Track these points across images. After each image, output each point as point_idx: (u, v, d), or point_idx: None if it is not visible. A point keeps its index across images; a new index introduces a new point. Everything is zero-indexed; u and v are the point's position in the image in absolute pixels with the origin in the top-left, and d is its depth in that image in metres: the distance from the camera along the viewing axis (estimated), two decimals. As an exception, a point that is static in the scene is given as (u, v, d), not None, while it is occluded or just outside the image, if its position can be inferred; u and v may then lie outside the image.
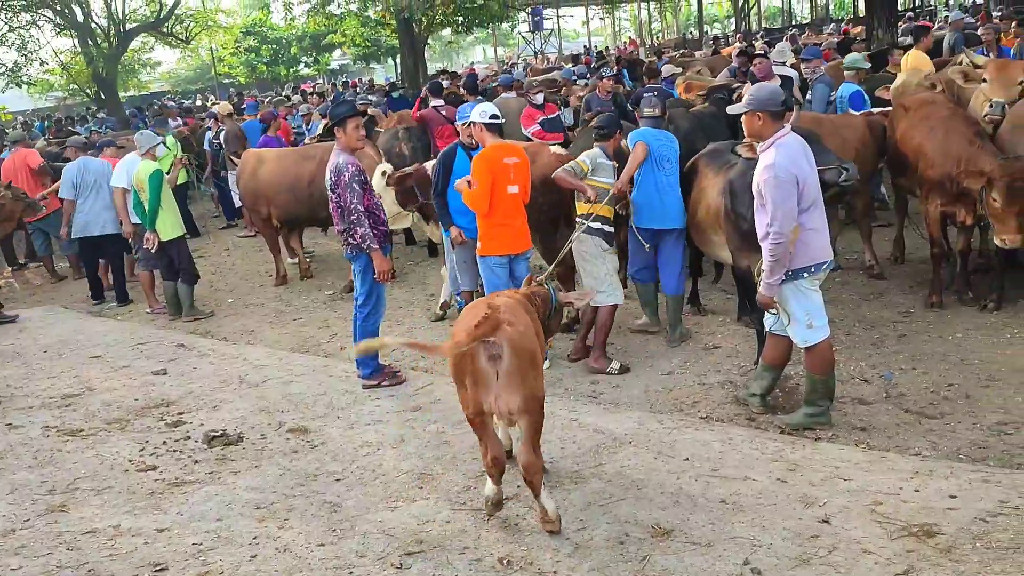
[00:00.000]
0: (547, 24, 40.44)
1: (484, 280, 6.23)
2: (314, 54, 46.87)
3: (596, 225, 6.02)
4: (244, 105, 20.29)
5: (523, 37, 41.68)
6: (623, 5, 53.20)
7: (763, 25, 44.31)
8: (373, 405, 5.83)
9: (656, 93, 7.59)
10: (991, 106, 6.36)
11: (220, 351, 7.45)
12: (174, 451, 5.28)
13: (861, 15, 38.00)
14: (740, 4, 37.86)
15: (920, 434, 4.73)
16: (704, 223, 6.18)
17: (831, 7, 50.21)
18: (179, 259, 8.51)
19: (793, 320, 4.81)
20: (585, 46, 40.42)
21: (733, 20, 55.03)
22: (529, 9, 37.80)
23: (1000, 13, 16.50)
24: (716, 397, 5.51)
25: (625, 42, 44.80)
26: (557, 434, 5.05)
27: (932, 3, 36.14)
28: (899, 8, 19.35)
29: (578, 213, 6.18)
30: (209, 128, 13.75)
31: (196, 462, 5.09)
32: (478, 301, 4.33)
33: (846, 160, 5.23)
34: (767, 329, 5.11)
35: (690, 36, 44.81)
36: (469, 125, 6.32)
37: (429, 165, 7.62)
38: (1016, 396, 5.04)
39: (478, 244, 6.16)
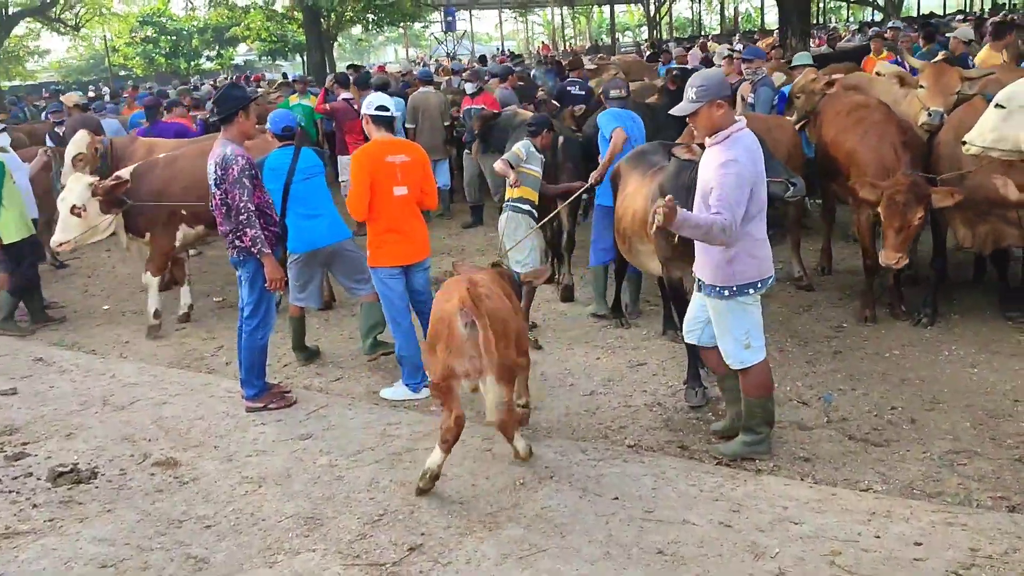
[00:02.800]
0: (460, 25, 39.96)
1: (378, 292, 5.53)
2: (217, 48, 45.05)
3: (525, 207, 6.39)
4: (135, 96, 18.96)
5: (436, 38, 41.03)
6: (536, 10, 53.15)
7: (673, 35, 44.71)
8: (257, 432, 5.09)
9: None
10: (929, 115, 6.05)
11: (85, 366, 6.55)
12: (9, 492, 4.43)
13: (769, 27, 38.87)
14: (652, 14, 38.02)
15: (868, 465, 4.29)
16: (629, 231, 5.67)
17: (739, 19, 51.23)
18: (17, 264, 7.39)
19: (729, 338, 4.32)
20: (498, 49, 40.12)
21: (644, 28, 56.07)
22: (442, 9, 37.11)
23: (896, 25, 16.78)
24: (644, 421, 4.98)
25: (538, 47, 44.63)
26: (468, 466, 4.43)
27: (836, 19, 37.18)
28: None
29: (508, 197, 6.54)
30: (56, 123, 12.27)
31: (35, 506, 4.27)
32: (457, 276, 4.42)
33: (794, 174, 4.78)
34: (697, 343, 4.62)
35: (601, 43, 45.01)
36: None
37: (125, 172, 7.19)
38: (963, 421, 4.67)
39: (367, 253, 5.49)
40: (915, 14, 34.60)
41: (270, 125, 6.27)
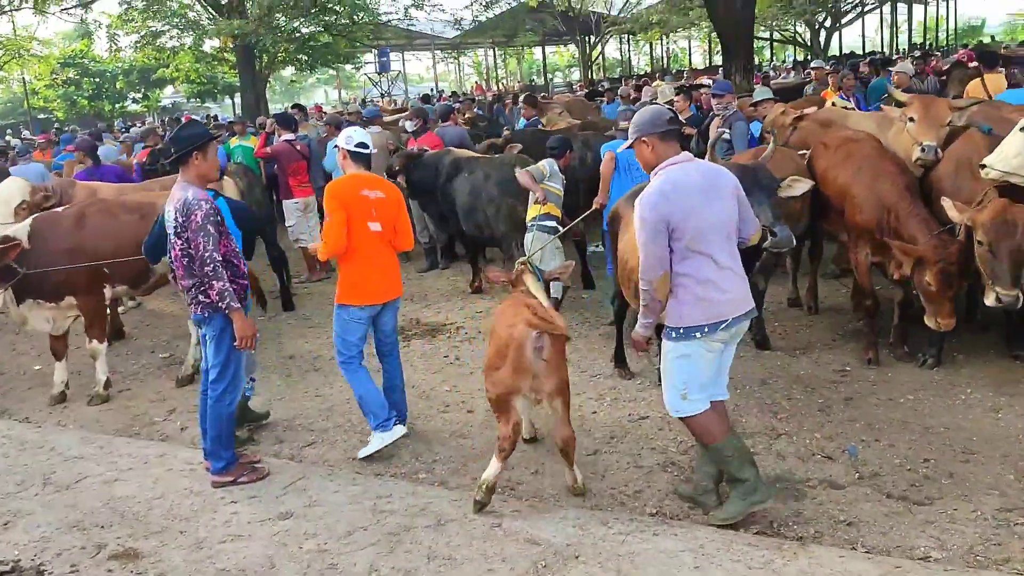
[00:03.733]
0: (394, 66, 39.59)
1: (336, 331, 5.19)
2: (143, 89, 43.84)
3: (550, 224, 6.81)
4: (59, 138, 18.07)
5: (369, 79, 40.55)
6: (467, 51, 53.30)
7: (605, 75, 45.27)
8: (228, 512, 4.48)
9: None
10: (923, 150, 5.83)
11: (18, 437, 5.83)
12: (-61, 602, 3.77)
13: (696, 67, 39.66)
14: (586, 55, 38.39)
15: (917, 527, 3.93)
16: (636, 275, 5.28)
17: (667, 60, 52.19)
18: None
19: (668, 383, 4.00)
20: (432, 89, 39.97)
21: (574, 69, 56.74)
22: (376, 50, 36.73)
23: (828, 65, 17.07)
24: (660, 484, 4.55)
25: (472, 87, 44.63)
26: (478, 547, 3.93)
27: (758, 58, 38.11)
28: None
29: (531, 215, 6.98)
30: None
31: (-29, 619, 3.62)
32: (514, 300, 4.66)
33: (780, 221, 4.45)
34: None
35: (532, 83, 45.28)
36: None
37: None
38: (1005, 474, 4.35)
39: (335, 291, 5.18)
40: (837, 53, 35.72)
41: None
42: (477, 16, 27.03)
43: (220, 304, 4.52)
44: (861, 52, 35.20)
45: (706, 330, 3.83)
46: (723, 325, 3.83)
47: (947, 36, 45.17)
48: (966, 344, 6.15)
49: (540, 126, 11.77)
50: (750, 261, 4.64)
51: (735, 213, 3.88)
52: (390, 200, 5.18)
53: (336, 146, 5.37)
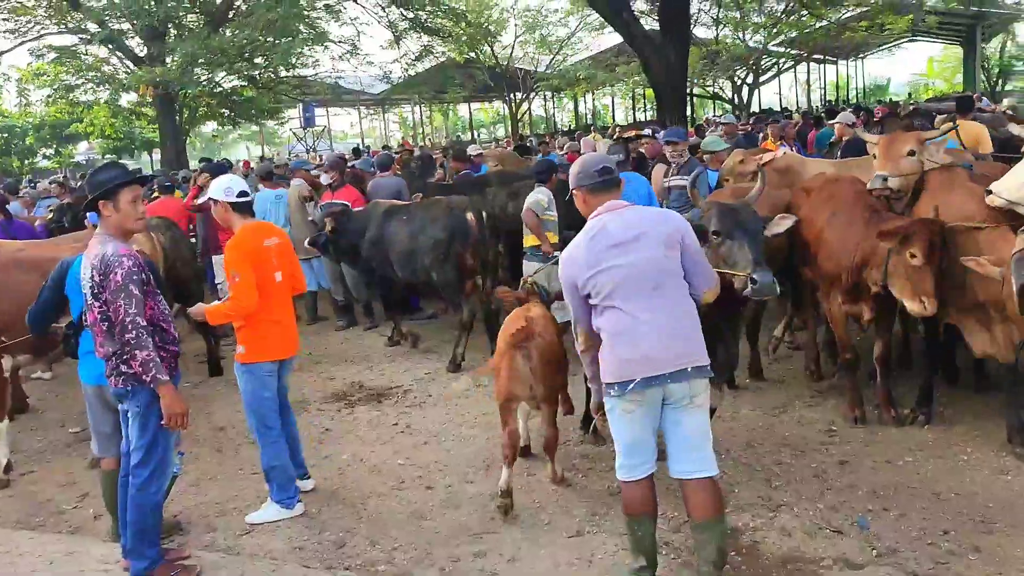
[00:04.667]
0: (319, 121, 38.98)
1: (250, 394, 4.84)
2: (55, 145, 42.19)
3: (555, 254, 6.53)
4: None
5: (294, 134, 39.78)
6: (394, 107, 53.10)
7: (531, 131, 45.58)
8: (155, 624, 3.78)
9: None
10: (874, 179, 5.59)
11: (-101, 536, 4.98)
12: None
13: (619, 123, 40.19)
14: (514, 111, 38.53)
15: (957, 614, 3.49)
16: None
17: (589, 116, 52.93)
18: None
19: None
20: (358, 145, 39.49)
21: (499, 126, 57.16)
22: (301, 105, 36.11)
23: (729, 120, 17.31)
24: (658, 570, 4.01)
25: (399, 143, 44.27)
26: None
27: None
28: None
29: (529, 244, 7.14)
30: None
31: None
32: (517, 312, 5.03)
33: (763, 268, 3.99)
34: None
35: (458, 138, 45.18)
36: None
37: None
38: (1034, 544, 3.97)
39: (240, 350, 4.84)
40: (756, 109, 36.67)
41: (89, 219, 5.21)
42: (407, 70, 26.74)
43: (145, 377, 3.86)
44: (778, 108, 36.24)
45: (616, 388, 3.45)
46: (632, 385, 3.40)
47: (856, 94, 47.00)
48: (951, 400, 5.84)
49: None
50: (730, 312, 4.24)
51: (667, 263, 3.46)
52: (284, 245, 5.10)
53: (213, 200, 4.90)
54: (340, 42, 24.85)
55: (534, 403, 4.78)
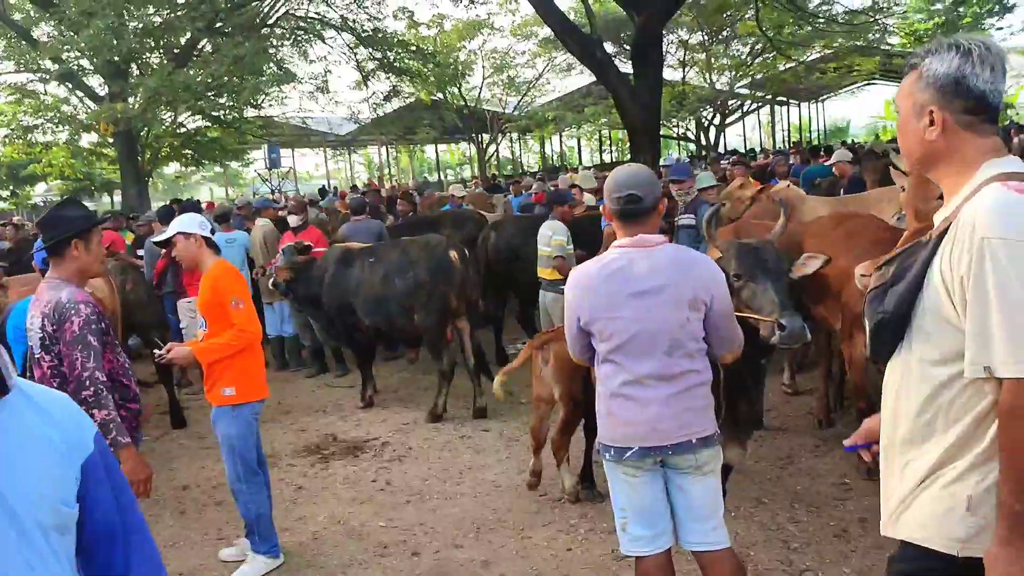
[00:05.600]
0: (284, 162, 38.49)
1: (238, 438, 4.56)
2: (11, 186, 41.21)
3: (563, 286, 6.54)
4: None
5: (259, 175, 39.28)
6: (358, 149, 52.87)
7: (499, 172, 45.58)
8: None
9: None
10: (898, 218, 5.38)
11: None
12: None
13: (587, 164, 40.30)
14: (482, 152, 38.43)
15: None
16: None
17: (555, 157, 53.10)
18: None
19: (614, 509, 3.24)
20: (323, 186, 39.14)
21: (465, 167, 57.15)
22: (266, 146, 35.68)
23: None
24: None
25: (366, 183, 43.95)
26: None
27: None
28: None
29: (548, 278, 7.31)
30: None
31: None
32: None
33: (791, 312, 3.51)
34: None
35: (426, 180, 45.00)
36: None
37: None
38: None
39: (228, 392, 4.48)
40: (721, 150, 37.00)
41: (36, 258, 4.84)
42: (375, 110, 26.45)
43: (105, 438, 3.41)
44: (743, 150, 36.60)
45: (612, 452, 3.08)
46: (629, 453, 3.03)
47: (817, 136, 47.72)
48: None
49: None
50: (754, 362, 3.86)
51: (688, 327, 3.00)
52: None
53: (187, 234, 4.55)
54: (310, 79, 24.50)
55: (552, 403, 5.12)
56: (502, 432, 6.71)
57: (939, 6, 34.45)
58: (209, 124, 27.03)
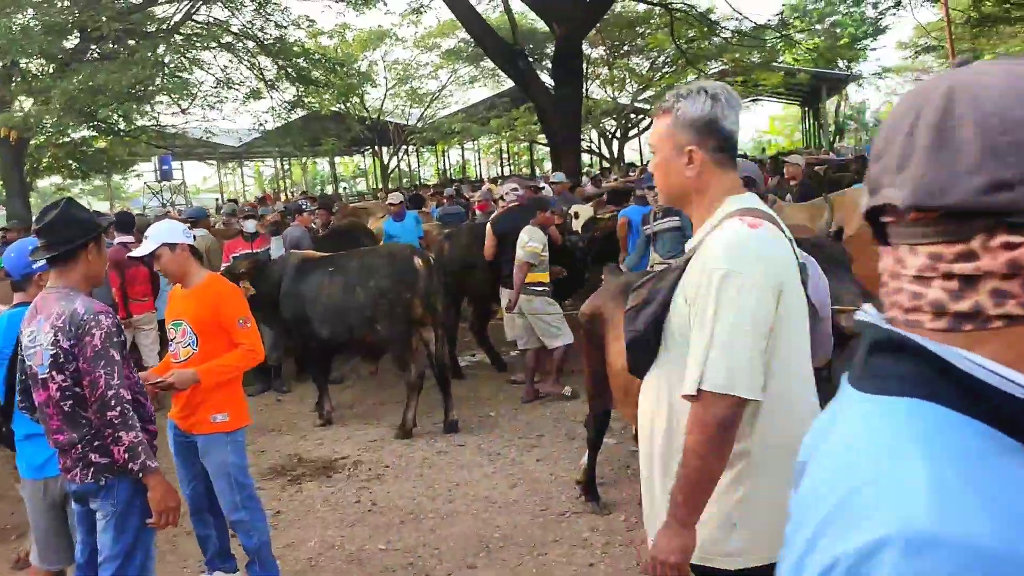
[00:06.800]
0: (175, 174, 36.96)
1: (237, 466, 4.20)
2: None
3: (540, 288, 7.28)
4: None
5: (148, 187, 37.56)
6: (248, 162, 51.33)
7: (400, 183, 45.15)
8: None
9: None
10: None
11: None
12: None
13: (484, 178, 40.37)
14: (384, 164, 37.97)
15: None
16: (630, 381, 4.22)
17: (453, 170, 53.03)
18: None
19: None
20: (217, 199, 37.92)
21: (360, 180, 56.38)
22: (156, 158, 34.11)
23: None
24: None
25: (260, 195, 42.72)
26: None
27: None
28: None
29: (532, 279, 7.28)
30: None
31: None
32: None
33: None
34: None
35: (323, 192, 44.09)
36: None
37: None
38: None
39: (220, 418, 4.10)
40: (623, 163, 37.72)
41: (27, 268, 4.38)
42: (276, 118, 25.62)
43: (132, 465, 3.04)
44: (639, 163, 37.43)
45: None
46: None
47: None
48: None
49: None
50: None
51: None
52: None
53: (173, 244, 4.10)
54: (212, 88, 23.54)
55: None
56: (480, 446, 6.48)
57: (818, 27, 36.22)
58: (96, 134, 25.61)
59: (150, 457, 3.08)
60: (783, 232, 2.10)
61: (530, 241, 7.14)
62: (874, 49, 38.48)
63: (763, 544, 2.01)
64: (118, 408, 3.01)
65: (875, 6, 31.59)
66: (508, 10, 16.02)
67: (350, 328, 7.10)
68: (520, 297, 7.21)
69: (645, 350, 2.22)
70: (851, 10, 37.01)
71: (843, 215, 6.48)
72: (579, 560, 4.52)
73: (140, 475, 3.06)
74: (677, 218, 6.91)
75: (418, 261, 6.95)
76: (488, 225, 8.05)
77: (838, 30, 37.80)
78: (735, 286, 1.95)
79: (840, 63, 37.59)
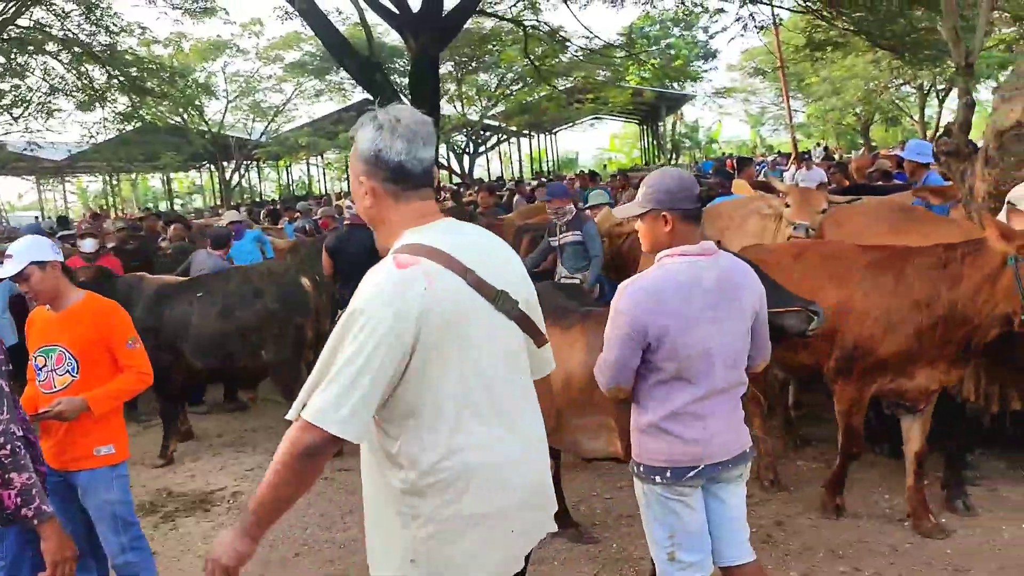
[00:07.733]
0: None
1: (122, 503, 3.82)
2: None
3: None
4: None
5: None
6: (71, 177, 48.10)
7: (242, 200, 43.53)
8: None
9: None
10: (795, 228, 5.62)
11: None
12: None
13: (330, 193, 39.60)
14: (227, 179, 36.43)
15: None
16: (562, 401, 4.02)
17: (295, 187, 51.69)
18: None
19: (649, 539, 3.05)
20: (37, 217, 35.48)
21: (196, 196, 54.04)
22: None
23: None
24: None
25: (85, 213, 40.18)
26: None
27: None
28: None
29: None
30: None
31: None
32: None
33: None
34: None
35: (153, 209, 41.90)
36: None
37: None
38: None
39: (105, 451, 3.75)
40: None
41: None
42: (106, 129, 23.98)
43: (24, 511, 2.65)
44: (487, 178, 37.84)
45: (669, 474, 2.88)
46: (693, 472, 2.88)
47: (551, 166, 50.54)
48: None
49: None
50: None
51: (747, 339, 2.94)
52: None
53: (42, 263, 3.66)
54: (47, 92, 21.76)
55: None
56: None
57: (654, 48, 37.85)
58: None
59: (44, 501, 2.70)
60: (456, 268, 2.05)
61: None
62: (706, 71, 40.58)
63: None
64: (8, 447, 2.61)
65: (705, 30, 33.41)
66: (364, 22, 15.68)
67: (229, 355, 6.62)
68: None
69: None
70: (683, 34, 39.03)
71: (719, 227, 6.64)
72: None
73: (35, 523, 2.68)
74: (579, 232, 6.89)
75: (305, 280, 6.59)
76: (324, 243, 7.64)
77: (672, 51, 39.70)
78: (359, 324, 1.96)
79: (675, 85, 39.42)
